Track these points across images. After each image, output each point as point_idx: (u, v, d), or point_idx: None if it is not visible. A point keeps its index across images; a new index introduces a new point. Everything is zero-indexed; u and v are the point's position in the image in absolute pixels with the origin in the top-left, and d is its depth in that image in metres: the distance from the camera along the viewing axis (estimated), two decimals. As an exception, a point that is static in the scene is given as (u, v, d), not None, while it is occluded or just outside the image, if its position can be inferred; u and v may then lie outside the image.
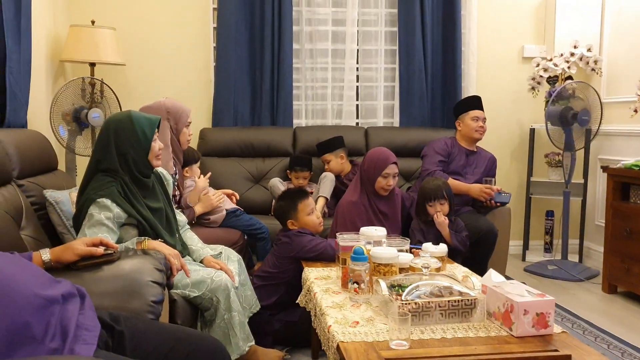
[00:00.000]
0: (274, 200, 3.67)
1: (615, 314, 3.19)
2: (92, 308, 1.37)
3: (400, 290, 1.82)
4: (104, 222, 1.98)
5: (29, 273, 1.26)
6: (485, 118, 3.61)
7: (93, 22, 3.58)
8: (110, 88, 3.49)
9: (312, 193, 3.38)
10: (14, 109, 2.69)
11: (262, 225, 3.16)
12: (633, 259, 3.29)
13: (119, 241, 2.04)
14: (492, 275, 1.85)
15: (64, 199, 2.35)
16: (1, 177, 2.16)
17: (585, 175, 4.21)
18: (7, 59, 2.63)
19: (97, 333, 1.30)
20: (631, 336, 2.85)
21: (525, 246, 4.42)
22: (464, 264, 2.57)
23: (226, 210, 3.08)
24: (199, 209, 2.92)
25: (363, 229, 2.31)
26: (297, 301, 2.30)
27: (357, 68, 4.30)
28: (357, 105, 4.34)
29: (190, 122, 2.90)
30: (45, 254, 1.65)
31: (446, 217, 2.86)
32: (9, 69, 2.64)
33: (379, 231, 2.30)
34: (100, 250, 1.70)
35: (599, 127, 3.93)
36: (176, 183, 2.81)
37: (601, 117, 3.90)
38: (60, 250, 1.68)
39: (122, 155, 2.09)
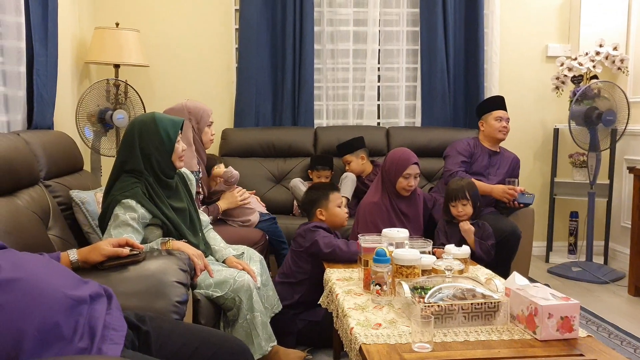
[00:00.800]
0: (295, 201, 3.69)
1: (642, 318, 3.14)
2: (119, 308, 1.39)
3: (422, 292, 1.81)
4: (129, 223, 2.01)
5: (58, 274, 1.29)
6: (508, 118, 3.58)
7: (117, 25, 3.63)
8: (134, 89, 3.54)
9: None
10: (41, 110, 2.74)
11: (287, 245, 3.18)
12: (660, 261, 3.24)
13: (143, 241, 2.07)
14: (516, 277, 1.84)
15: (90, 199, 2.39)
16: (29, 178, 2.20)
17: (611, 176, 4.15)
18: (35, 62, 2.68)
19: (124, 333, 1.32)
20: (658, 340, 2.80)
21: (549, 247, 4.37)
22: (487, 266, 2.55)
23: (260, 213, 3.13)
24: (222, 205, 2.96)
25: (385, 231, 2.31)
26: (319, 302, 2.30)
27: (379, 68, 4.29)
28: (379, 105, 4.33)
29: (212, 122, 2.94)
30: (73, 255, 1.68)
31: (472, 226, 2.81)
32: (36, 71, 2.69)
33: (401, 233, 2.29)
34: (126, 250, 1.73)
35: (625, 127, 3.87)
36: (200, 182, 2.85)
37: (628, 117, 3.84)
38: (87, 250, 1.71)
39: (146, 156, 2.12)
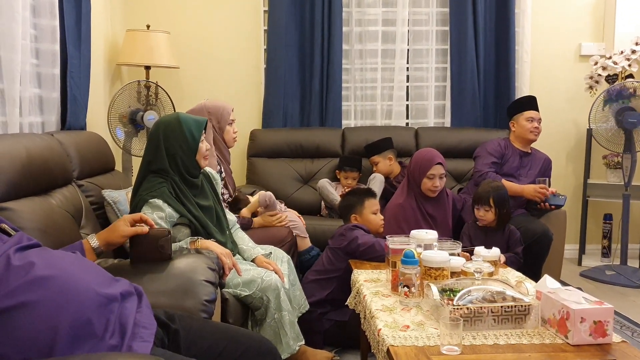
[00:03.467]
0: (322, 202, 3.69)
1: (679, 323, 3.06)
2: (149, 306, 1.41)
3: (451, 294, 1.79)
4: (158, 222, 2.04)
5: (90, 272, 1.31)
6: (540, 119, 3.52)
7: (148, 27, 3.68)
8: (165, 90, 3.59)
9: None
10: (74, 111, 2.80)
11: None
12: (698, 265, 3.14)
13: (172, 241, 2.09)
14: (547, 280, 1.80)
15: (121, 198, 2.43)
16: (62, 178, 2.25)
17: (646, 177, 4.04)
18: (68, 64, 2.74)
19: (154, 331, 1.33)
20: (696, 347, 2.72)
21: (582, 250, 4.28)
22: (518, 269, 2.51)
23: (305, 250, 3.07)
24: (257, 221, 2.90)
25: (413, 232, 2.29)
26: (346, 303, 2.30)
27: (407, 68, 4.26)
28: (407, 106, 4.31)
29: (233, 120, 2.94)
30: (94, 241, 1.69)
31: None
32: (70, 73, 2.75)
33: (430, 234, 2.27)
34: (145, 228, 1.72)
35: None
36: (223, 182, 2.85)
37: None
38: (105, 233, 1.71)
39: (171, 156, 2.15)
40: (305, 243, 3.05)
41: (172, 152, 2.15)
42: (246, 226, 2.81)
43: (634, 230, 4.13)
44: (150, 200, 2.06)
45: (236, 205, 2.95)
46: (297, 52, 4.12)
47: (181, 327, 1.47)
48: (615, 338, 1.61)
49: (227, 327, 1.62)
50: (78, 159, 2.41)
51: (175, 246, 2.01)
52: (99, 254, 1.69)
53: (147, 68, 3.68)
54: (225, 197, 2.89)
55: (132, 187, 2.23)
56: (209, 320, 1.65)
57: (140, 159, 2.26)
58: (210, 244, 2.03)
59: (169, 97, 3.60)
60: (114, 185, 2.58)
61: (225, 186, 2.92)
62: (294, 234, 2.96)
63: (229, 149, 3.00)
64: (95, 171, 2.58)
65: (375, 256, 2.48)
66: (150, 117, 3.41)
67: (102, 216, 2.39)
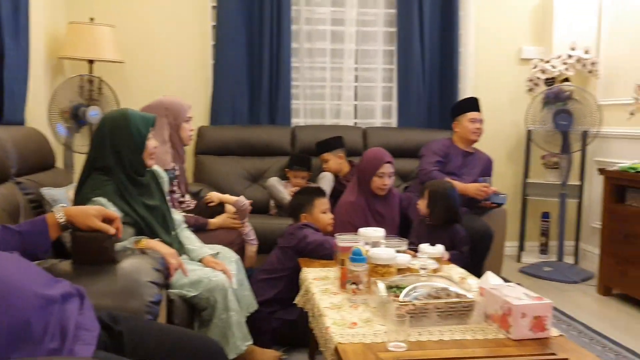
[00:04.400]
0: (271, 200, 3.67)
1: (610, 316, 3.21)
2: (91, 308, 1.37)
3: (398, 291, 1.82)
4: (102, 221, 1.98)
5: (29, 272, 1.26)
6: (482, 120, 3.63)
7: (92, 20, 3.57)
8: (109, 85, 3.49)
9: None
10: (12, 106, 2.69)
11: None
12: (628, 261, 3.31)
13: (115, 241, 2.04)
14: (490, 277, 1.86)
15: (61, 197, 2.35)
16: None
17: (582, 177, 4.23)
18: (5, 56, 2.63)
19: (97, 333, 1.30)
20: (625, 338, 2.87)
21: (521, 247, 4.44)
22: (462, 266, 2.57)
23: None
24: (214, 222, 2.83)
25: (361, 230, 2.32)
26: (295, 301, 2.30)
27: (356, 68, 4.30)
28: (355, 106, 4.35)
29: (190, 117, 2.89)
30: (60, 215, 1.61)
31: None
32: (6, 66, 2.64)
33: (378, 232, 2.30)
34: (113, 230, 1.67)
35: (598, 130, 3.94)
36: (175, 180, 2.80)
37: (600, 120, 3.92)
38: (74, 212, 1.65)
39: (117, 153, 2.09)
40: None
41: (117, 150, 2.09)
42: (201, 227, 2.76)
43: (570, 228, 4.31)
44: (94, 199, 2.00)
45: (202, 212, 2.88)
46: (246, 49, 4.09)
47: (125, 329, 1.43)
48: (554, 332, 1.68)
49: (172, 328, 1.59)
50: (16, 155, 2.31)
51: (119, 246, 1.95)
52: (64, 230, 1.62)
53: (91, 62, 3.57)
54: (177, 196, 2.83)
55: (75, 184, 2.16)
56: (154, 321, 1.62)
57: (83, 155, 2.19)
58: (156, 244, 1.99)
59: (113, 93, 3.51)
60: (55, 183, 2.48)
61: (179, 185, 2.85)
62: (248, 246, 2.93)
63: (184, 147, 2.94)
64: (35, 168, 2.48)
65: (325, 254, 2.49)
66: (93, 113, 3.31)
67: (41, 214, 2.30)
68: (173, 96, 2.91)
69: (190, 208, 2.93)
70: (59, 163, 3.44)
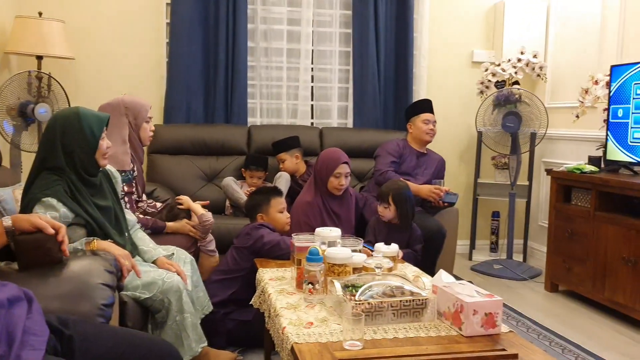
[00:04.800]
0: (227, 200, 3.64)
1: (557, 312, 3.33)
2: (40, 312, 1.33)
3: (354, 290, 1.84)
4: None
5: (-27, 276, 1.21)
6: (435, 121, 3.70)
7: (40, 14, 3.46)
8: (59, 82, 3.39)
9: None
10: (-46, 102, 2.58)
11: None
12: (574, 258, 3.44)
13: (69, 241, 1.98)
14: (443, 275, 1.90)
15: (7, 197, 2.27)
16: (-60, 174, 2.06)
17: (530, 177, 4.37)
18: (-53, 50, 2.51)
19: (46, 338, 1.26)
20: (571, 333, 2.98)
21: (472, 246, 4.54)
22: (415, 264, 2.62)
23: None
24: (171, 226, 2.78)
25: (318, 230, 2.33)
26: (251, 302, 2.29)
27: (312, 68, 4.31)
28: (312, 106, 4.36)
29: (151, 117, 2.83)
30: (7, 221, 1.57)
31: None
32: (-52, 60, 2.52)
33: (334, 232, 2.32)
34: (51, 230, 1.62)
35: (545, 131, 4.08)
36: (133, 181, 2.73)
37: (547, 122, 4.06)
38: (21, 216, 1.62)
39: (68, 153, 2.03)
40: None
41: (69, 150, 2.03)
42: (158, 230, 2.71)
43: (519, 227, 4.45)
44: (44, 199, 1.94)
45: (172, 217, 2.82)
46: (201, 47, 4.04)
47: (76, 333, 1.40)
48: (504, 328, 1.73)
49: (125, 331, 1.56)
50: (-42, 153, 2.22)
51: (69, 247, 1.90)
52: (12, 235, 1.57)
53: (39, 58, 3.45)
54: (134, 197, 2.77)
55: (24, 184, 2.08)
56: (106, 324, 1.59)
57: (30, 154, 2.12)
58: (108, 245, 1.94)
59: (63, 90, 3.40)
60: (1, 182, 2.39)
61: (136, 186, 2.79)
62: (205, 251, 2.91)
63: (143, 148, 2.88)
64: (-22, 167, 2.39)
65: (281, 254, 2.49)
66: (42, 111, 3.20)
67: (-15, 216, 2.22)
68: (134, 96, 2.84)
69: (150, 211, 2.88)
70: (6, 162, 3.31)
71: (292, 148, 3.75)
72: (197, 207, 2.84)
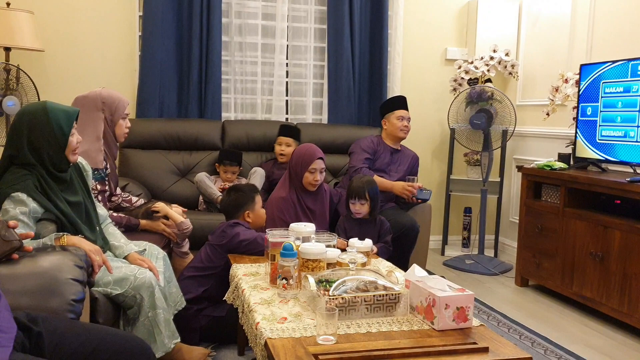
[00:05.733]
0: (200, 196, 3.62)
1: (527, 306, 3.39)
2: (8, 308, 1.30)
3: (327, 285, 1.85)
4: (19, 218, 1.88)
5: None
6: (409, 118, 3.72)
7: (8, 4, 3.38)
8: (28, 75, 3.32)
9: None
10: None
11: None
12: (543, 254, 3.51)
13: (35, 237, 1.94)
14: (416, 270, 1.92)
15: (-26, 191, 2.21)
16: None
17: (502, 174, 4.43)
18: None
19: (13, 335, 1.24)
20: (540, 327, 3.04)
21: (445, 241, 4.60)
22: (388, 259, 2.64)
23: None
24: (144, 224, 2.77)
25: (292, 225, 2.33)
26: (224, 298, 2.28)
27: (287, 64, 4.30)
28: (287, 101, 4.35)
29: (127, 114, 2.76)
30: None
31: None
32: None
33: (308, 227, 2.32)
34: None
35: (514, 129, 4.14)
36: (106, 179, 2.67)
37: (516, 120, 4.12)
38: None
39: (36, 150, 1.98)
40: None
41: (37, 146, 1.97)
42: (132, 228, 2.68)
43: (490, 223, 4.52)
44: (13, 194, 1.89)
45: (147, 216, 2.80)
46: (175, 40, 3.99)
47: (45, 330, 1.38)
48: (475, 322, 1.76)
49: (96, 327, 1.54)
50: None
51: (38, 243, 1.87)
52: None
53: (7, 50, 3.37)
54: (106, 194, 2.72)
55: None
56: (76, 321, 1.57)
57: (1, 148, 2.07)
58: (78, 240, 1.91)
59: (32, 82, 3.33)
60: (-34, 177, 2.33)
61: (108, 183, 2.73)
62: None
63: (117, 144, 2.82)
64: (-57, 161, 2.32)
65: (258, 251, 2.49)
66: (10, 103, 3.14)
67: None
68: (112, 90, 2.75)
69: (124, 205, 2.84)
70: (-29, 156, 3.24)
71: (299, 138, 3.80)
72: (175, 214, 2.84)
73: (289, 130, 3.84)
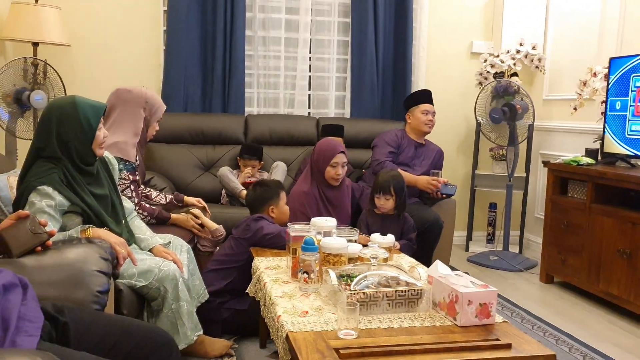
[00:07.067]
0: (223, 190, 3.64)
1: (551, 303, 3.34)
2: (35, 299, 1.33)
3: (349, 280, 1.84)
4: (45, 210, 1.91)
5: (-32, 263, 1.21)
6: (434, 112, 3.69)
7: (36, 0, 3.43)
8: (55, 69, 3.37)
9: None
10: (-51, 88, 2.56)
11: None
12: (569, 250, 3.45)
13: (62, 229, 1.98)
14: (439, 266, 1.90)
15: (2, 184, 2.25)
16: None
17: (527, 169, 4.37)
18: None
19: (40, 324, 1.26)
20: (565, 324, 2.99)
21: (469, 237, 4.55)
22: (411, 255, 2.62)
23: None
24: (174, 217, 2.79)
25: (314, 220, 2.33)
26: (246, 290, 2.30)
27: (310, 58, 4.29)
28: (310, 95, 4.34)
29: (161, 119, 2.81)
30: None
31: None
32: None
33: (329, 221, 2.32)
34: (27, 212, 1.65)
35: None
36: (136, 170, 2.70)
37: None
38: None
39: (64, 144, 2.00)
40: None
41: (65, 140, 2.00)
42: (162, 220, 2.71)
43: (515, 218, 4.46)
44: (39, 187, 1.93)
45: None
46: (199, 35, 4.01)
47: (71, 320, 1.40)
48: (498, 318, 1.74)
49: (120, 318, 1.57)
50: (-47, 140, 2.21)
51: (64, 235, 1.90)
52: None
53: (35, 45, 3.43)
54: (141, 188, 2.75)
55: (20, 172, 2.07)
56: (101, 312, 1.59)
57: (26, 141, 2.10)
58: (103, 233, 1.94)
59: (59, 77, 3.38)
60: (-5, 170, 2.39)
61: (137, 176, 2.76)
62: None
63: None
64: (-26, 154, 2.38)
65: (281, 244, 2.50)
66: (38, 98, 3.19)
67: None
68: (153, 91, 2.78)
69: (154, 198, 2.88)
70: (1, 149, 3.31)
71: (342, 136, 3.78)
72: (209, 222, 2.89)
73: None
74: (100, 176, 2.17)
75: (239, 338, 2.60)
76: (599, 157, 3.54)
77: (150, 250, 2.29)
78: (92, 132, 2.04)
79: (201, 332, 2.26)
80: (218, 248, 2.94)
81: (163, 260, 2.19)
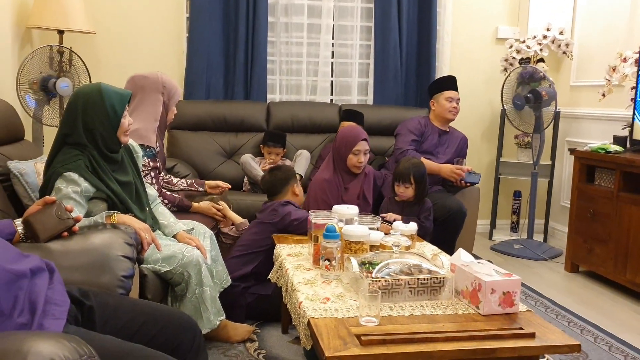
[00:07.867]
0: (245, 177, 3.66)
1: (577, 293, 3.30)
2: (62, 283, 1.35)
3: (370, 267, 1.84)
4: (71, 196, 1.95)
5: (-4, 247, 1.24)
6: (459, 99, 3.64)
7: (61, -12, 3.46)
8: (80, 57, 3.40)
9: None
10: (-22, 76, 2.60)
11: None
12: (595, 239, 3.39)
13: (87, 215, 2.01)
14: (462, 254, 1.89)
15: (29, 170, 2.29)
16: (-35, 147, 2.09)
17: (553, 157, 4.30)
18: (-29, 24, 2.53)
19: (67, 308, 1.29)
20: (591, 314, 2.95)
21: (493, 225, 4.51)
22: (433, 242, 2.61)
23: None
24: (196, 205, 2.83)
25: (335, 207, 2.33)
26: (268, 277, 2.31)
27: (333, 44, 4.27)
28: (332, 82, 4.32)
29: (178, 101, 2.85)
30: (19, 223, 1.66)
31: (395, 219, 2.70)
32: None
33: (351, 209, 2.32)
34: (53, 197, 1.71)
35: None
36: (157, 157, 2.73)
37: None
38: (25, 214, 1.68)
39: (89, 130, 2.03)
40: None
41: (90, 127, 2.03)
42: (184, 209, 2.74)
43: (540, 207, 4.40)
44: (65, 174, 1.95)
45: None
46: (222, 21, 4.01)
47: (96, 304, 1.42)
48: (521, 307, 1.72)
49: (145, 303, 1.59)
50: (-18, 127, 2.25)
51: (90, 220, 1.93)
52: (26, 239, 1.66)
53: (61, 32, 3.47)
54: (162, 174, 2.79)
55: (46, 158, 2.10)
56: (126, 296, 1.61)
57: (53, 128, 2.14)
58: (128, 219, 1.96)
59: (84, 64, 3.42)
60: (23, 156, 2.42)
61: (158, 162, 2.79)
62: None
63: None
64: (2, 140, 2.42)
65: (306, 230, 2.51)
66: (64, 85, 3.23)
67: (9, 188, 2.25)
68: (168, 76, 2.81)
69: (175, 184, 2.91)
70: (28, 136, 3.36)
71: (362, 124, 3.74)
72: (234, 215, 2.92)
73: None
74: (125, 163, 2.20)
75: (262, 324, 2.62)
76: (628, 145, 3.46)
77: (174, 236, 2.32)
78: (117, 120, 2.06)
79: (224, 317, 2.28)
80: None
81: (186, 246, 2.21)
